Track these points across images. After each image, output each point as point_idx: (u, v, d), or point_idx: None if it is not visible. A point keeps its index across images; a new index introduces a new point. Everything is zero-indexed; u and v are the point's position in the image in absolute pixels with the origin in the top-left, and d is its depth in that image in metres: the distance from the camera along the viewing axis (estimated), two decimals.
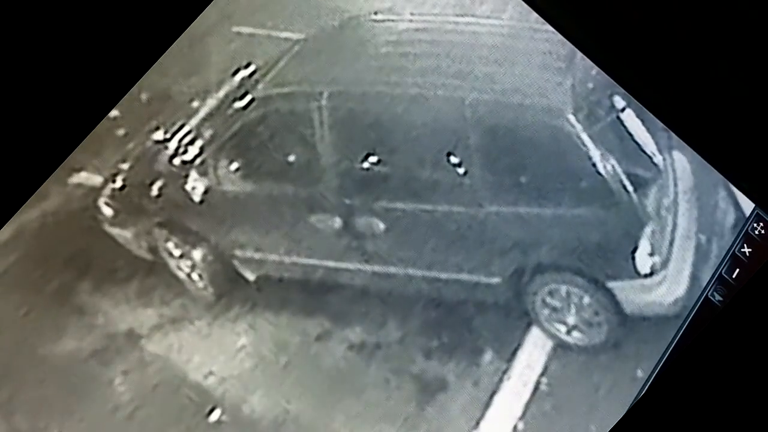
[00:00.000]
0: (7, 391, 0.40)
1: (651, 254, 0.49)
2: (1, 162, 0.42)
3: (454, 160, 0.47)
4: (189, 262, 0.44)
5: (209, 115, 0.45)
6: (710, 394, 0.48)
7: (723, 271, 0.50)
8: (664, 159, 0.51)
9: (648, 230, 0.49)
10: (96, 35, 0.43)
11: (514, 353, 0.46)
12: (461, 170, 0.47)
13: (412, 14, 0.48)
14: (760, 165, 0.52)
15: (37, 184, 0.42)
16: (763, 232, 0.51)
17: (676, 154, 0.51)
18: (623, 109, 0.50)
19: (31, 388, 0.41)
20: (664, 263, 0.49)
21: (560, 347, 0.47)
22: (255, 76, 0.46)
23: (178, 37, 0.45)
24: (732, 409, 0.48)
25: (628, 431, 0.46)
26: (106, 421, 0.41)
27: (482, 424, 0.45)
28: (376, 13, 0.48)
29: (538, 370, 0.47)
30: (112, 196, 0.43)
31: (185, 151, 0.44)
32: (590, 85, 0.50)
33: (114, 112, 0.43)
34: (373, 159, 0.46)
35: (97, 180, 0.43)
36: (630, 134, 0.50)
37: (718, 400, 0.48)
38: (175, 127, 0.44)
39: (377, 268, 0.46)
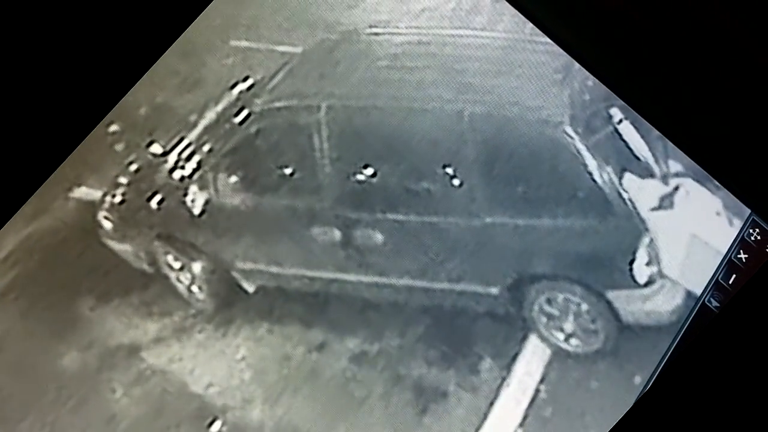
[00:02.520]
0: (10, 404, 0.39)
1: (648, 264, 0.48)
2: None
3: (449, 171, 0.46)
4: (189, 275, 0.43)
5: (208, 129, 0.44)
6: (708, 400, 0.47)
7: (719, 277, 0.49)
8: (660, 168, 0.49)
9: (645, 240, 0.48)
10: (90, 43, 0.42)
11: (512, 361, 0.45)
12: (456, 182, 0.46)
13: (408, 28, 0.47)
14: (755, 171, 0.51)
15: (29, 193, 0.41)
16: (758, 237, 0.50)
17: (672, 163, 0.50)
18: (620, 120, 0.49)
19: (33, 400, 0.40)
20: (662, 272, 0.48)
21: (558, 354, 0.46)
22: (253, 90, 0.45)
23: (173, 43, 0.44)
24: (730, 413, 0.47)
25: None
26: None
27: (481, 431, 0.44)
28: (371, 27, 0.47)
29: (537, 377, 0.46)
30: (111, 210, 0.42)
31: (184, 165, 0.43)
32: (587, 96, 0.49)
33: (113, 127, 0.42)
34: (371, 171, 0.45)
35: (96, 194, 0.42)
36: (627, 144, 0.49)
37: (715, 404, 0.47)
38: (174, 141, 0.43)
39: (376, 279, 0.44)
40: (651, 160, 0.49)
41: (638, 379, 0.46)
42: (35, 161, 0.41)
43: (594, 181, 0.48)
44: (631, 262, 0.47)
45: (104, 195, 0.42)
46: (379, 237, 0.45)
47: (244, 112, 0.44)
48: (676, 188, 0.49)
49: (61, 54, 0.42)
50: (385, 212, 0.45)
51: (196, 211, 0.43)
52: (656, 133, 0.50)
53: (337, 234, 0.44)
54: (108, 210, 0.42)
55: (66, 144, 0.42)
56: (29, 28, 0.42)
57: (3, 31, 0.42)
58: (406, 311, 0.45)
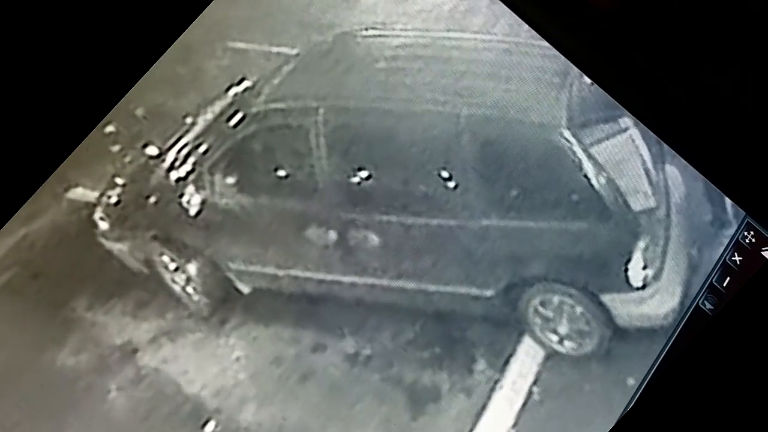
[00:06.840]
0: (4, 405, 0.38)
1: (644, 267, 0.46)
2: None
3: (445, 174, 0.45)
4: (184, 276, 0.42)
5: (204, 130, 0.43)
6: (701, 402, 0.46)
7: (714, 280, 0.48)
8: (656, 171, 0.48)
9: (641, 243, 0.46)
10: (87, 45, 0.41)
11: (506, 363, 0.44)
12: (452, 184, 0.45)
13: (404, 29, 0.46)
14: (750, 173, 0.50)
15: (25, 197, 0.40)
16: (753, 240, 0.49)
17: (668, 166, 0.49)
18: (617, 124, 0.48)
19: (27, 402, 0.39)
20: (657, 276, 0.46)
21: (552, 356, 0.45)
22: (249, 92, 0.43)
23: (170, 46, 0.43)
24: (723, 416, 0.46)
25: None
26: None
27: None
28: (367, 29, 0.46)
29: (530, 379, 0.44)
30: (107, 211, 0.41)
31: (180, 166, 0.42)
32: (584, 100, 0.48)
33: (109, 128, 0.41)
34: (367, 173, 0.44)
35: (92, 195, 0.41)
36: (624, 148, 0.48)
37: (709, 406, 0.46)
38: (170, 142, 0.42)
39: (371, 280, 0.43)
40: (648, 164, 0.48)
41: (632, 382, 0.45)
42: (32, 163, 0.40)
43: (590, 184, 0.46)
44: (626, 264, 0.46)
45: (100, 195, 0.41)
46: (374, 239, 0.44)
47: (240, 114, 0.43)
48: (672, 191, 0.48)
49: (60, 55, 0.41)
50: (381, 214, 0.44)
51: (192, 211, 0.42)
52: (653, 136, 0.49)
53: (332, 235, 0.43)
54: (104, 210, 0.41)
55: (63, 146, 0.41)
56: (28, 29, 0.41)
57: (2, 31, 0.41)
58: (400, 313, 0.43)
